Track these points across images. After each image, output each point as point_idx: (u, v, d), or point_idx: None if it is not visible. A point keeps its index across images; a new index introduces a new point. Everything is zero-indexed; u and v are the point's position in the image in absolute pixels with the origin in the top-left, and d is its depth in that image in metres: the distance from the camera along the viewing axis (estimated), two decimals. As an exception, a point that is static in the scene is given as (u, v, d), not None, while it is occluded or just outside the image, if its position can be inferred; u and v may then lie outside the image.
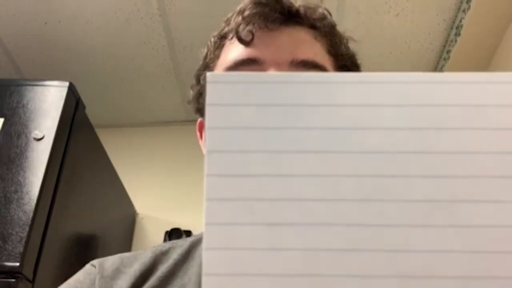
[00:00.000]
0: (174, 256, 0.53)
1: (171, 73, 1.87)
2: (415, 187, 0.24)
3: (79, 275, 0.52)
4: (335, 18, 0.58)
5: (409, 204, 0.24)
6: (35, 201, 1.03)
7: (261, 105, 0.26)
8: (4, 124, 1.14)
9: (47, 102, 1.18)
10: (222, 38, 0.56)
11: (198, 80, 0.60)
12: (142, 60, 1.82)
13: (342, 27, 0.58)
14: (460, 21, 1.60)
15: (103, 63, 1.83)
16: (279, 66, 0.50)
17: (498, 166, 0.25)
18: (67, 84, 1.21)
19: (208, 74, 0.26)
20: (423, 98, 0.26)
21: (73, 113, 1.24)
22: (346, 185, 0.24)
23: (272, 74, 0.28)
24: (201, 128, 0.61)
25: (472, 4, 1.51)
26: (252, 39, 0.52)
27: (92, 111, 1.40)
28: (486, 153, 0.25)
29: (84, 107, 1.31)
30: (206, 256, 0.24)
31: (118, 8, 1.62)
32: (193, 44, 1.74)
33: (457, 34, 1.63)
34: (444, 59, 1.75)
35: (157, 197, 1.90)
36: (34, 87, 1.20)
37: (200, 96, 0.58)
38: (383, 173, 0.25)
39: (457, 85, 0.26)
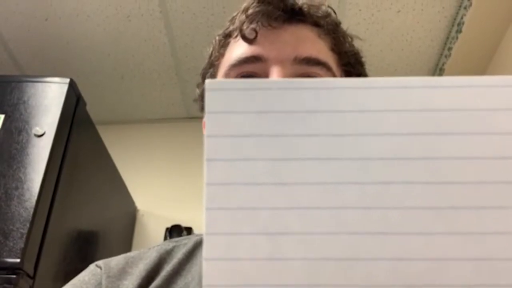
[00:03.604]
0: (178, 255, 0.53)
1: (172, 70, 1.87)
2: (418, 193, 0.24)
3: (84, 276, 0.52)
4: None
5: (411, 211, 0.24)
6: (35, 198, 1.03)
7: (261, 112, 0.25)
8: (5, 120, 1.14)
9: (48, 99, 1.18)
10: (227, 37, 0.56)
11: (203, 79, 0.60)
12: (143, 57, 1.81)
13: (343, 24, 0.58)
14: (462, 18, 1.59)
15: (103, 60, 1.83)
16: (282, 63, 0.50)
17: (501, 171, 0.24)
18: (67, 80, 1.21)
19: (207, 81, 0.26)
20: (424, 103, 0.25)
21: (74, 109, 1.24)
22: (348, 192, 0.24)
23: (271, 80, 0.27)
24: None
25: (474, 1, 1.51)
26: (255, 37, 0.52)
27: (93, 108, 1.40)
28: (489, 158, 0.24)
29: (84, 104, 1.31)
30: (206, 266, 0.23)
31: (119, 5, 1.62)
32: (193, 41, 1.73)
33: (459, 31, 1.62)
34: (445, 56, 1.74)
35: (157, 193, 1.90)
36: (35, 83, 1.20)
37: None
38: (384, 180, 0.24)
39: (458, 89, 0.26)
